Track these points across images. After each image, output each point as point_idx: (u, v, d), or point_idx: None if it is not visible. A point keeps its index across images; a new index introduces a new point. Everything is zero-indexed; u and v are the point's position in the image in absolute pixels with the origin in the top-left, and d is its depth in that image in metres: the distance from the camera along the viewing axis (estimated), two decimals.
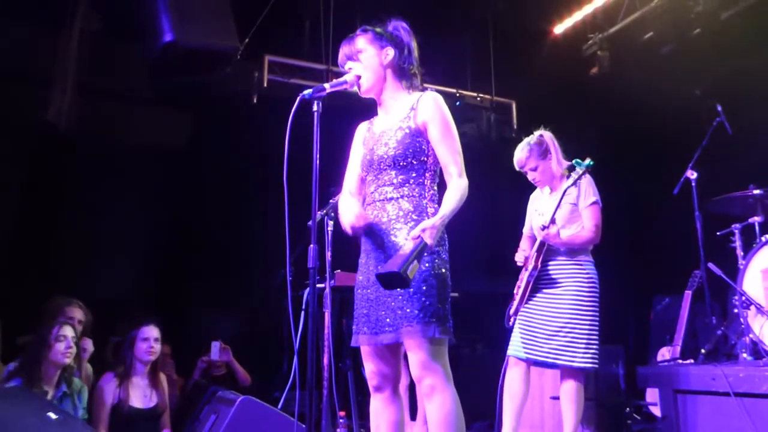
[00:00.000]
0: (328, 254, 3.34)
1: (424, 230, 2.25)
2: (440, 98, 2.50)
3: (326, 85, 2.37)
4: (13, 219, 5.33)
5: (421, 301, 2.32)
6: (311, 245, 2.24)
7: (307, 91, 2.32)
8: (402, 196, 2.44)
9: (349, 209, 2.42)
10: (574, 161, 3.59)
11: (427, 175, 2.47)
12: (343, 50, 2.56)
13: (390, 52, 2.52)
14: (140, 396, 4.06)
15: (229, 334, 5.04)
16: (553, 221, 3.51)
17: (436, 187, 2.50)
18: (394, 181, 2.46)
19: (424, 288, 2.32)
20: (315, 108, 2.33)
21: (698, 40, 5.34)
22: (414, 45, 2.58)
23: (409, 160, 2.44)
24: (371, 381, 2.50)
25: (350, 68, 2.53)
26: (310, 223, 2.27)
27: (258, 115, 5.80)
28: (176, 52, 4.44)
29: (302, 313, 3.33)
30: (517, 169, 3.80)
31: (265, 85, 5.84)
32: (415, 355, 2.32)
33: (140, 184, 5.80)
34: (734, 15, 5.23)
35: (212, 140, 5.97)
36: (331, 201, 3.42)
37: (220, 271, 5.75)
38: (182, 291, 5.68)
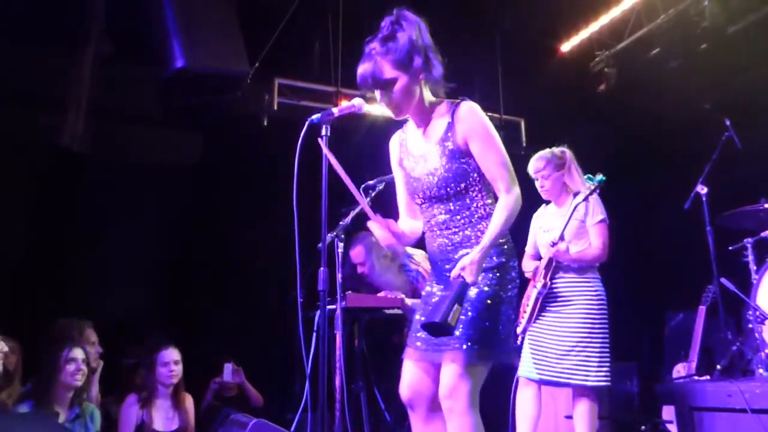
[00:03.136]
0: (339, 276, 3.35)
1: (463, 268, 2.22)
2: (477, 108, 2.39)
3: (334, 110, 2.38)
4: (24, 239, 5.38)
5: (465, 324, 2.26)
6: (321, 268, 2.26)
7: (315, 116, 2.35)
8: (457, 226, 2.39)
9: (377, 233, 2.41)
10: (586, 176, 3.59)
11: (478, 193, 2.39)
12: (367, 79, 2.35)
13: (417, 67, 2.34)
14: (163, 418, 4.06)
15: (241, 355, 5.05)
16: (561, 237, 3.51)
17: (491, 199, 2.41)
18: (448, 209, 2.40)
19: (469, 313, 2.27)
20: (323, 132, 2.35)
21: (705, 55, 5.35)
22: (426, 33, 2.37)
23: (458, 187, 2.37)
24: (403, 395, 2.44)
25: (382, 101, 2.37)
26: (320, 245, 2.29)
27: (268, 136, 5.85)
28: (187, 76, 4.50)
29: (314, 334, 3.33)
30: (530, 173, 3.77)
31: (275, 107, 5.89)
32: (444, 376, 2.28)
33: (151, 205, 5.83)
34: (741, 30, 5.24)
35: (223, 162, 6.01)
36: (341, 223, 3.45)
37: (231, 291, 5.76)
38: (193, 312, 5.70)
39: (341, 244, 3.40)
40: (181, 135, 6.12)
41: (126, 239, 5.65)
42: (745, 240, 4.45)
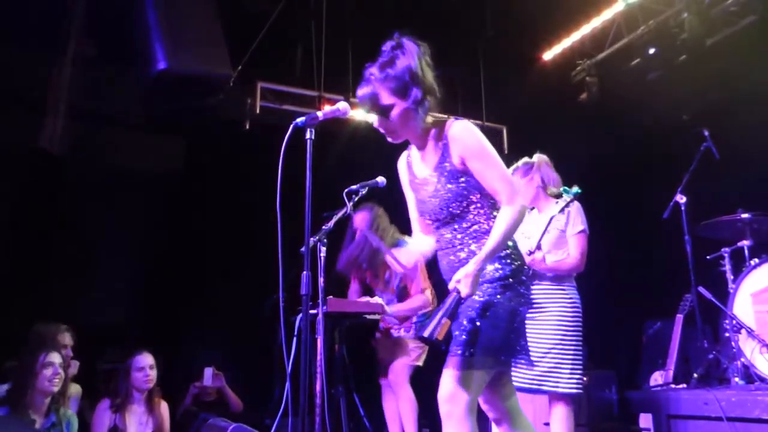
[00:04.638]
0: (321, 280, 3.34)
1: (459, 281, 2.24)
2: (469, 125, 2.38)
3: (319, 114, 2.39)
4: (3, 243, 5.29)
5: (461, 330, 2.30)
6: (304, 272, 2.25)
7: (300, 119, 2.35)
8: (463, 243, 2.41)
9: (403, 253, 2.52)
10: (562, 189, 3.61)
11: (482, 209, 2.40)
12: (365, 104, 2.38)
13: (417, 94, 2.33)
14: (136, 423, 4.04)
15: (221, 359, 5.00)
16: (538, 247, 3.52)
17: (496, 213, 2.39)
18: (453, 228, 2.42)
19: (465, 322, 2.30)
20: (308, 135, 2.35)
21: (685, 67, 5.42)
22: (426, 59, 2.38)
23: (461, 207, 2.39)
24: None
25: (380, 126, 2.41)
26: (302, 249, 2.28)
27: (251, 140, 5.82)
28: (170, 79, 4.46)
29: (294, 339, 3.32)
30: None
31: (258, 111, 5.87)
32: (444, 381, 2.29)
33: (132, 209, 5.78)
34: (719, 42, 5.33)
35: (205, 166, 5.97)
36: (323, 227, 3.44)
37: (212, 295, 5.72)
38: (174, 316, 5.64)
39: (324, 249, 3.39)
40: (164, 138, 6.07)
41: (107, 243, 5.59)
42: (722, 249, 4.50)
